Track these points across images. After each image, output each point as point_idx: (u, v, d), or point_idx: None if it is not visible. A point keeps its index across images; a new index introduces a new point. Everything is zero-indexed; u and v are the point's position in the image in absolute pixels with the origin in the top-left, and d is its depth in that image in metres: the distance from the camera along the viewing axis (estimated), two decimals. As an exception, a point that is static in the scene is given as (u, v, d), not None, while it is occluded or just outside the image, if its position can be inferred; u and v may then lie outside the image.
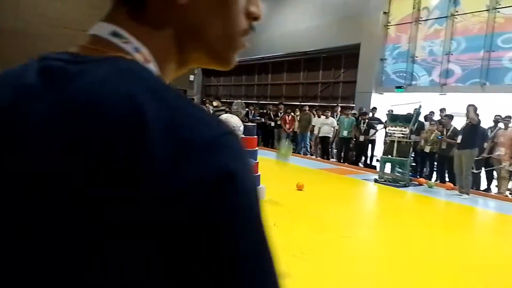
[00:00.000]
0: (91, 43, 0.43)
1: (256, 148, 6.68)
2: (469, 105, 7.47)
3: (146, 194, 0.32)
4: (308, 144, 13.18)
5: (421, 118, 9.83)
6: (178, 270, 0.33)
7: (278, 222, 4.36)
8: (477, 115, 7.38)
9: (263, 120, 14.70)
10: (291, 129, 13.51)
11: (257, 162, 6.08)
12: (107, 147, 0.33)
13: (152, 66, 0.43)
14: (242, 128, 5.74)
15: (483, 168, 8.32)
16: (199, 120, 0.36)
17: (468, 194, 7.54)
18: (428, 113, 10.19)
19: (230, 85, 21.67)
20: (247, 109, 14.79)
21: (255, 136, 6.68)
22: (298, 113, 13.69)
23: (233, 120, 2.23)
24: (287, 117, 13.55)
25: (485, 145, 8.20)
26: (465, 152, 7.38)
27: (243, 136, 8.84)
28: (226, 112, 12.71)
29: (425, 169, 9.67)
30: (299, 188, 7.02)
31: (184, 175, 0.33)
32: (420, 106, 9.06)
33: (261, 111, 15.82)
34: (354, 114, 11.73)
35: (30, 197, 0.35)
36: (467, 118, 7.51)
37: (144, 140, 0.33)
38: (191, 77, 19.65)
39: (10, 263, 0.36)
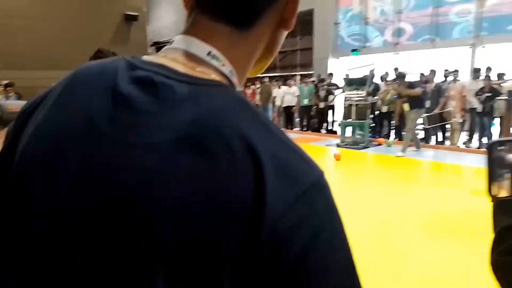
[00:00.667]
0: (186, 61, 0.41)
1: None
2: (397, 74, 7.99)
3: (267, 232, 0.34)
4: (271, 115, 13.21)
5: (377, 80, 10.02)
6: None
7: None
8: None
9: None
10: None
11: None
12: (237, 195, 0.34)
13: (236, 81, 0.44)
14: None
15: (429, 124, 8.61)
16: (304, 159, 0.39)
17: (404, 151, 7.64)
18: (383, 73, 10.37)
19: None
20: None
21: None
22: (258, 85, 13.61)
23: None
24: (247, 90, 13.46)
25: (441, 100, 8.46)
26: (413, 111, 7.58)
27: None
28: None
29: (384, 128, 9.94)
30: (337, 158, 7.34)
31: (298, 212, 0.35)
32: (373, 68, 9.20)
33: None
34: (313, 81, 11.79)
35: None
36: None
37: (263, 183, 0.34)
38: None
39: None
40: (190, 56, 0.42)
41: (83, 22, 12.79)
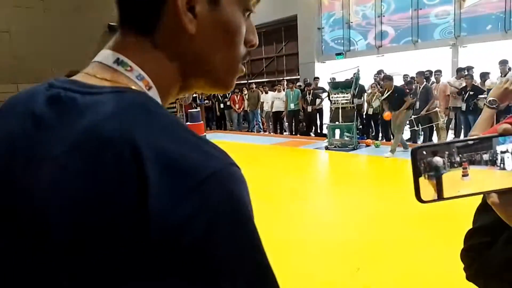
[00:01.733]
0: (97, 72, 0.44)
1: (204, 133, 6.66)
2: (384, 77, 8.19)
3: (158, 239, 0.34)
4: (260, 121, 13.29)
5: (363, 82, 10.19)
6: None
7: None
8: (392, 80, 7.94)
9: (211, 103, 14.58)
10: (241, 109, 13.53)
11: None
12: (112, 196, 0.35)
13: (153, 92, 0.44)
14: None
15: (419, 125, 8.76)
16: (205, 152, 0.38)
17: (392, 152, 7.74)
18: (370, 77, 10.54)
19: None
20: (194, 94, 14.57)
21: (201, 122, 6.64)
22: (245, 91, 13.69)
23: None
24: (235, 96, 13.52)
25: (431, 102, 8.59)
26: (401, 113, 7.71)
27: (189, 123, 8.76)
28: (173, 101, 12.53)
29: (371, 130, 10.09)
30: (386, 117, 7.72)
31: (189, 204, 0.35)
32: (358, 71, 9.36)
33: (208, 94, 15.64)
34: (300, 86, 11.91)
35: (37, 244, 0.37)
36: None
37: (150, 183, 0.35)
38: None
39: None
40: (102, 67, 0.44)
41: (66, 34, 12.73)
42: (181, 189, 0.35)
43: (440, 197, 0.56)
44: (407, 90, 8.27)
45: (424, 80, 8.59)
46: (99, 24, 13.86)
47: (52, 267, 0.37)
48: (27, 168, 0.40)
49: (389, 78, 8.02)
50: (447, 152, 0.56)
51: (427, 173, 0.55)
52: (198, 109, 8.45)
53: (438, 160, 0.56)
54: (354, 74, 9.32)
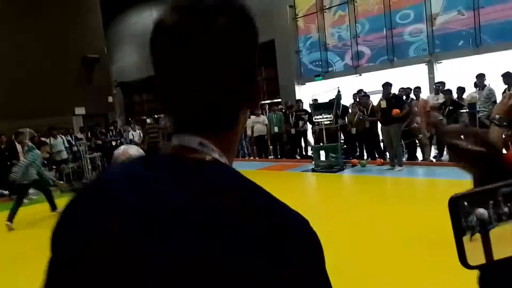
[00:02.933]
0: (184, 151, 0.55)
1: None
2: (383, 84, 8.00)
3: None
4: (245, 145, 13.15)
5: (343, 101, 10.29)
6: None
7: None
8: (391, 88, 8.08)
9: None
10: (224, 135, 13.40)
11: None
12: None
13: (224, 160, 0.57)
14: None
15: (402, 140, 8.84)
16: (290, 212, 0.52)
17: (401, 165, 7.96)
18: (348, 95, 10.65)
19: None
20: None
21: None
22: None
23: (132, 151, 2.14)
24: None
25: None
26: (393, 126, 7.80)
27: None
28: (157, 131, 12.33)
29: (355, 150, 10.11)
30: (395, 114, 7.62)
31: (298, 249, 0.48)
32: (338, 91, 9.43)
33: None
34: (281, 109, 11.92)
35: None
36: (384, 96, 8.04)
37: (269, 230, 0.47)
38: (110, 99, 16.80)
39: None
40: (185, 147, 0.56)
41: (44, 67, 12.48)
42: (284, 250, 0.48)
43: (489, 259, 0.46)
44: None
45: (404, 96, 8.73)
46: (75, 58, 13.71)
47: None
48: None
49: (387, 84, 8.05)
50: (491, 202, 0.46)
51: (470, 230, 0.46)
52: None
53: (482, 212, 0.46)
54: (336, 95, 9.38)
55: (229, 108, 0.55)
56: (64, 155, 11.06)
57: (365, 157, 9.65)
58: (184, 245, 0.45)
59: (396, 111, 7.74)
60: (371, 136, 9.26)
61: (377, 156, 9.27)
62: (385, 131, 8.07)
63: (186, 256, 0.45)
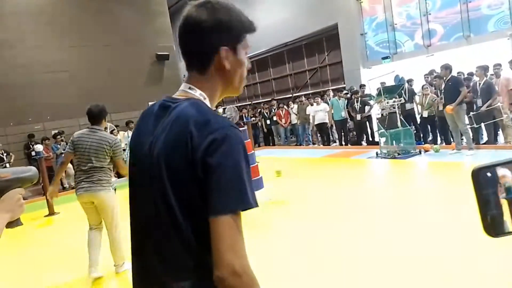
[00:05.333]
0: (180, 93, 1.00)
1: (253, 151, 6.61)
2: (441, 66, 7.68)
3: (194, 152, 0.85)
4: (310, 134, 13.04)
5: (413, 84, 9.73)
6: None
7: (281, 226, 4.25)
8: (450, 72, 7.57)
9: (257, 120, 14.60)
10: (287, 123, 13.41)
11: (257, 165, 6.01)
12: (185, 137, 0.87)
13: (208, 101, 0.98)
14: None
15: (482, 123, 8.13)
16: (217, 121, 0.88)
17: (472, 149, 7.41)
18: (419, 77, 10.04)
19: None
20: (241, 113, 14.70)
21: (248, 140, 6.61)
22: (292, 105, 13.56)
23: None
24: (281, 111, 13.46)
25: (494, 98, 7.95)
26: (456, 107, 7.28)
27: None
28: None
29: (428, 134, 9.53)
30: (448, 110, 7.28)
31: (207, 139, 0.85)
32: (397, 75, 8.97)
33: (254, 111, 15.73)
34: (346, 94, 11.61)
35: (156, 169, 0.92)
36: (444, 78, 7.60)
37: (192, 134, 0.86)
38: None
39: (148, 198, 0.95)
40: (182, 91, 1.01)
41: (118, 68, 13.46)
42: (204, 134, 0.85)
43: None
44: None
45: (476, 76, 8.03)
46: (148, 55, 14.58)
47: (164, 186, 0.89)
48: (153, 134, 0.96)
49: (446, 67, 7.57)
50: None
51: (495, 197, 0.45)
52: (245, 127, 8.46)
53: (508, 177, 0.45)
54: (399, 78, 8.93)
55: (198, 55, 0.97)
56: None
57: (439, 142, 9.07)
58: (167, 126, 0.92)
59: (448, 108, 7.30)
60: (444, 119, 8.65)
61: (452, 140, 8.66)
62: (448, 114, 7.54)
63: (168, 131, 0.92)
